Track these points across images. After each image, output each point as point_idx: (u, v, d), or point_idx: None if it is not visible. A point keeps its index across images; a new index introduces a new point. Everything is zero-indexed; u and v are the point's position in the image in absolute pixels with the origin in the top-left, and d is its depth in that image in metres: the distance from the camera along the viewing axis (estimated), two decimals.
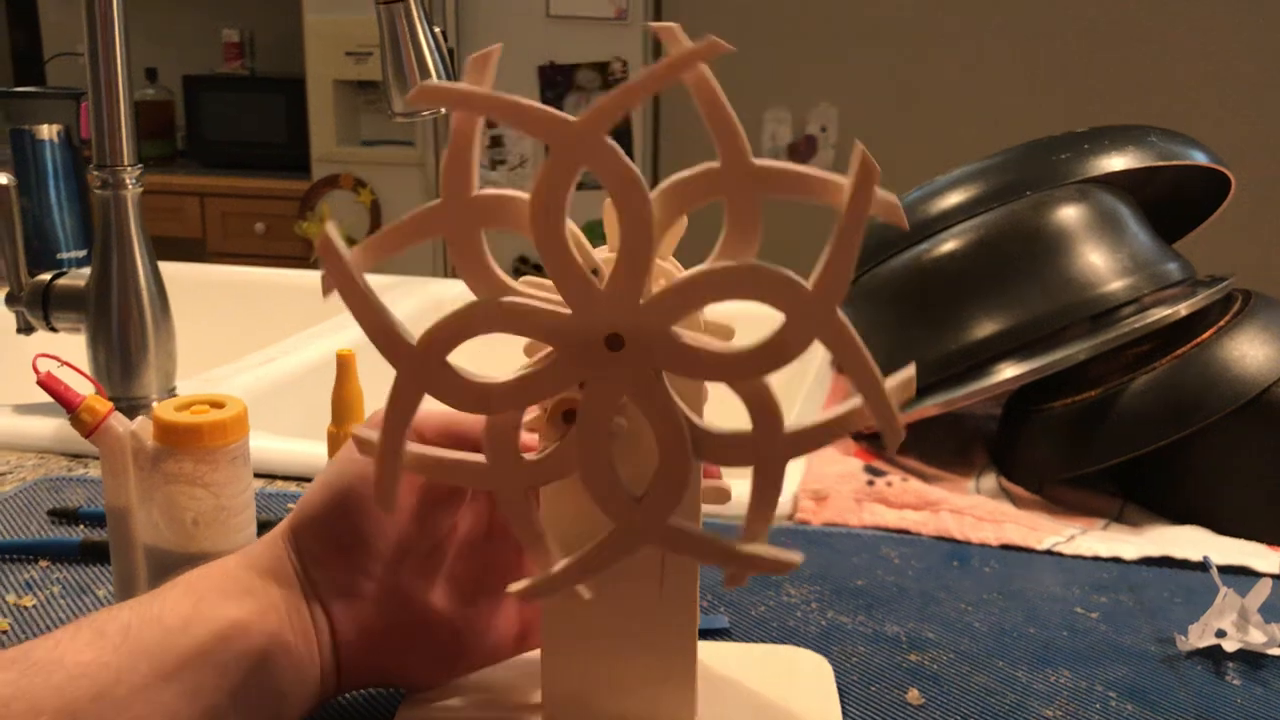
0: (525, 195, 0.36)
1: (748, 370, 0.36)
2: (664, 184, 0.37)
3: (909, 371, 0.37)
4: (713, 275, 0.36)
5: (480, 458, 0.38)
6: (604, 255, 0.42)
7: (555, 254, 0.35)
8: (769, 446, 0.37)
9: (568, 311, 0.36)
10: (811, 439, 0.38)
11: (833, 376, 0.95)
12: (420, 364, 0.36)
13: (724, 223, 0.37)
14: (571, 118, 0.34)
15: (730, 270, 0.35)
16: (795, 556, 0.39)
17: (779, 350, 0.36)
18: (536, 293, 0.37)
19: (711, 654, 0.50)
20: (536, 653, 0.46)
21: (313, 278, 1.32)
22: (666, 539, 0.38)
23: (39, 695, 0.36)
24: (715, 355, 0.36)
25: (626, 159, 0.34)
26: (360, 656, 0.44)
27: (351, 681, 0.45)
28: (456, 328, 0.36)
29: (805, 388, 0.94)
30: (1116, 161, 0.80)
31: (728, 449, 0.38)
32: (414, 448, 0.38)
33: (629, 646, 0.44)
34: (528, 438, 0.40)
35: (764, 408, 0.37)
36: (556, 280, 0.36)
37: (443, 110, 0.89)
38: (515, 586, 0.39)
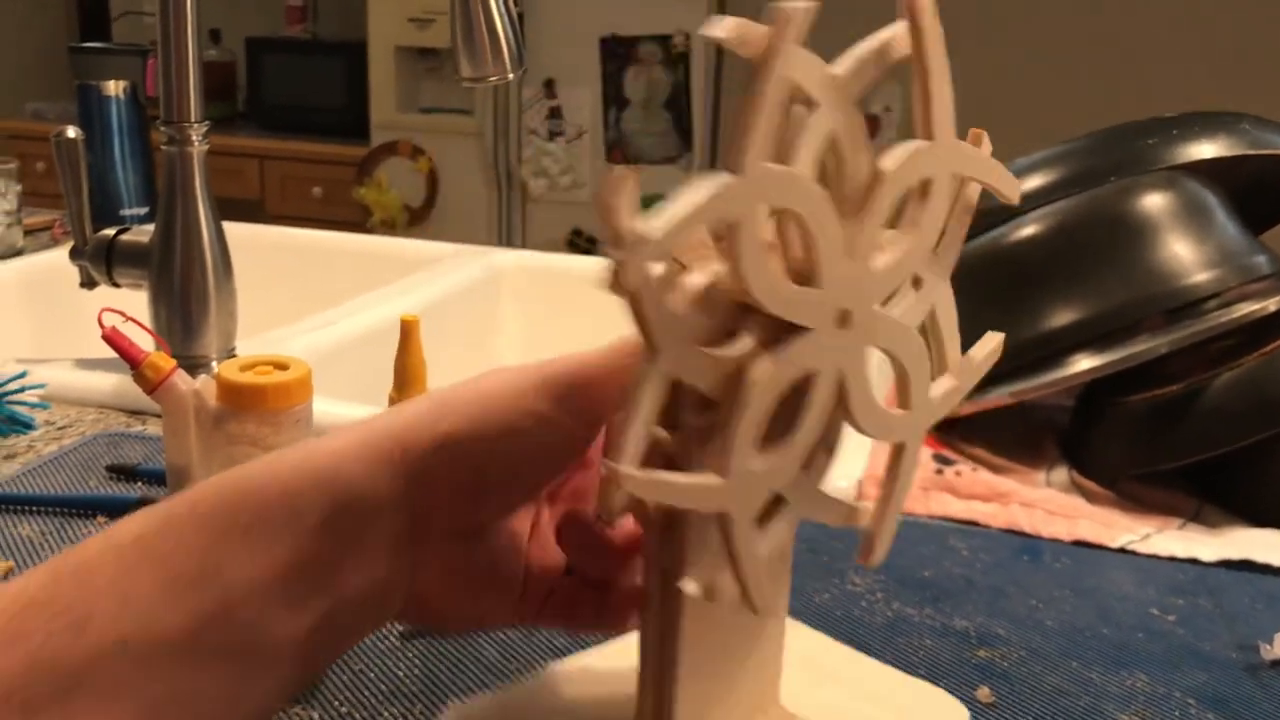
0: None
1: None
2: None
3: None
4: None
5: (705, 479, 0.34)
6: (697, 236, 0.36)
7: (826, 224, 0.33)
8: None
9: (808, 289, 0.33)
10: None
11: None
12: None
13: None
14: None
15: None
16: None
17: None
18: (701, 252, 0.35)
19: (850, 667, 0.47)
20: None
21: (372, 242, 1.31)
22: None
23: (69, 600, 0.33)
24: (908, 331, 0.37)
25: None
26: (432, 596, 0.40)
27: (412, 616, 0.41)
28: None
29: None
30: (1206, 149, 0.77)
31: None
32: (635, 473, 0.32)
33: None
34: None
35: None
36: (824, 250, 0.33)
37: (510, 76, 0.88)
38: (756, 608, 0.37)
